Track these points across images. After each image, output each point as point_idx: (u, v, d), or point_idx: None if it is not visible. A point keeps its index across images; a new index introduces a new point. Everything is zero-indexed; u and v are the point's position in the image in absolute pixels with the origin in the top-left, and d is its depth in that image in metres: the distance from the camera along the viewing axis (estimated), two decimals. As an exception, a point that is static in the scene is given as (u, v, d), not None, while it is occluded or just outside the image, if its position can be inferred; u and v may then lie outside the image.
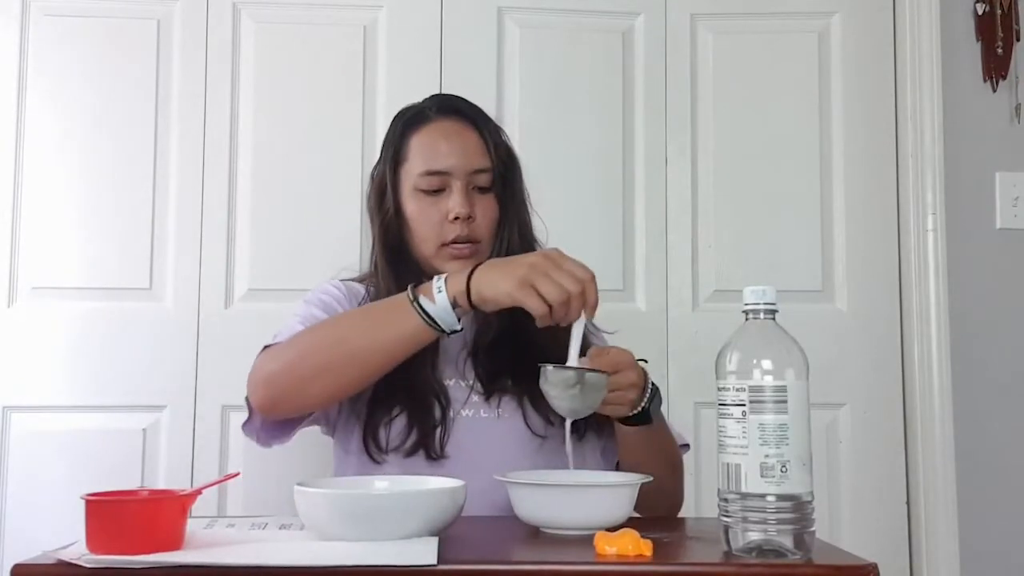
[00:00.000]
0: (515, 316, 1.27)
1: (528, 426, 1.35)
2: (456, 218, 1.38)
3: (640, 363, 1.27)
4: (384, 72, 2.13)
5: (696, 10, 2.20)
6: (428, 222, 1.40)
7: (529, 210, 1.49)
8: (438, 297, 1.20)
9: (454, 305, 1.20)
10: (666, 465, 1.34)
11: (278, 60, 2.12)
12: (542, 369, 1.17)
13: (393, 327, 1.22)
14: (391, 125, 1.50)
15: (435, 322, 1.20)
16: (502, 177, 1.44)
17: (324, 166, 2.10)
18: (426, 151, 1.42)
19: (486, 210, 1.41)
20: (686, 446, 1.48)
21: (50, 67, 2.07)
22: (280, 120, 2.10)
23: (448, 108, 1.46)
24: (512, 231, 1.44)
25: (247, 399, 1.31)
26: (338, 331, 1.27)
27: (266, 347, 1.32)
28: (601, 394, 1.17)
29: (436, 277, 1.23)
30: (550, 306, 1.16)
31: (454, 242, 1.39)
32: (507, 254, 1.41)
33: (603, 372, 1.17)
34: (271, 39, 2.12)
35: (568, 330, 1.19)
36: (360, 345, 1.23)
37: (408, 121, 1.46)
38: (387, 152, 1.47)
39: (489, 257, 1.41)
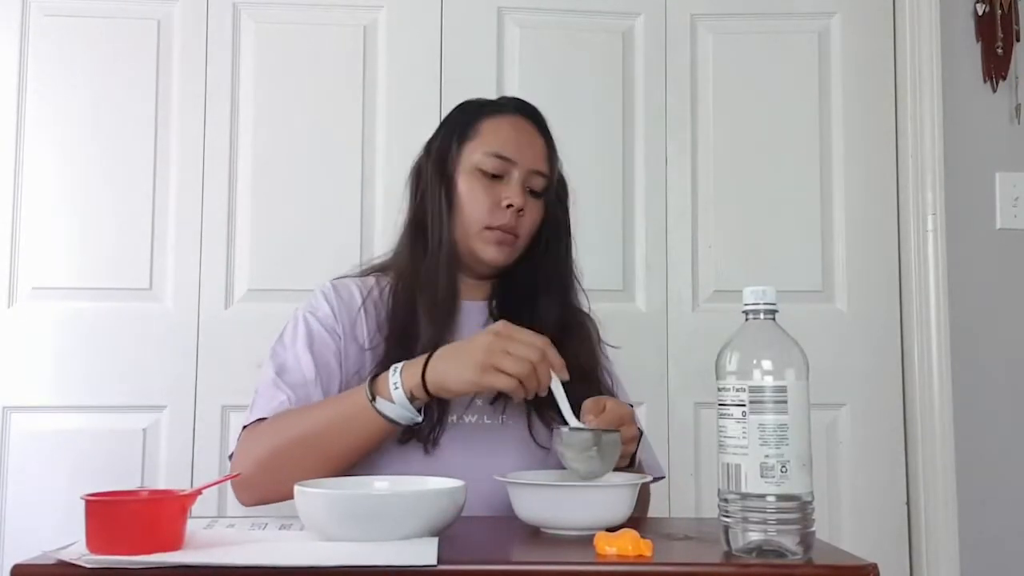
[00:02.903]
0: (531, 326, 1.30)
1: (532, 436, 1.34)
2: (509, 206, 1.39)
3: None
4: (384, 72, 2.13)
5: (696, 10, 2.20)
6: (479, 203, 1.40)
7: (570, 229, 1.51)
8: (395, 394, 1.20)
9: (411, 398, 1.20)
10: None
11: (278, 60, 2.12)
12: (556, 430, 1.16)
13: (359, 428, 1.22)
14: (460, 107, 1.50)
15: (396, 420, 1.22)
16: (556, 191, 1.46)
17: (324, 166, 2.10)
18: (497, 134, 1.42)
19: (533, 211, 1.43)
20: (661, 478, 1.46)
21: (50, 67, 2.07)
22: (280, 120, 2.10)
23: (525, 109, 1.49)
24: (565, 247, 1.47)
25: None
26: (306, 431, 1.25)
27: (245, 427, 1.33)
28: (617, 453, 1.15)
29: (392, 369, 1.22)
30: (519, 382, 1.17)
31: (500, 228, 1.39)
32: (555, 268, 1.45)
33: (616, 431, 1.16)
34: (271, 39, 2.13)
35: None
36: (329, 446, 1.23)
37: (483, 105, 1.48)
38: (453, 127, 1.46)
39: (533, 264, 1.44)
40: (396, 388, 1.20)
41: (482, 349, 1.17)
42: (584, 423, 1.18)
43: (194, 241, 2.06)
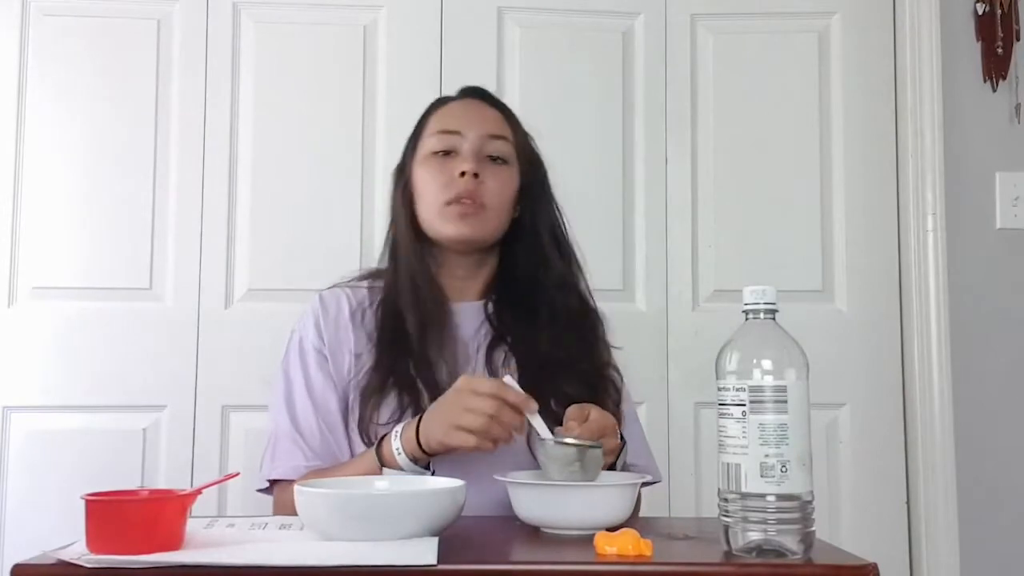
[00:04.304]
0: (529, 334, 1.32)
1: (530, 446, 1.32)
2: (463, 174, 1.36)
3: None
4: (384, 72, 2.13)
5: (696, 10, 2.20)
6: (435, 182, 1.39)
7: (561, 213, 1.48)
8: (400, 460, 1.22)
9: (415, 460, 1.22)
10: None
11: (278, 60, 2.12)
12: (539, 441, 1.17)
13: None
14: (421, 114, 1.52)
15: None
16: (525, 156, 1.44)
17: (324, 166, 2.10)
18: (441, 118, 1.44)
19: (497, 178, 1.40)
20: (657, 481, 1.46)
21: (50, 67, 2.07)
22: (280, 120, 2.10)
23: (472, 91, 1.49)
24: (545, 217, 1.44)
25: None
26: None
27: (269, 480, 1.36)
28: (599, 468, 1.16)
29: (394, 434, 1.23)
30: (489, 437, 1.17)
31: (458, 199, 1.37)
32: (542, 249, 1.42)
33: (599, 446, 1.16)
34: (271, 39, 2.12)
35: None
36: None
37: (433, 104, 1.49)
38: (411, 135, 1.48)
39: (516, 245, 1.43)
40: (399, 454, 1.22)
41: (446, 408, 1.19)
42: (566, 430, 1.18)
43: (194, 241, 2.06)
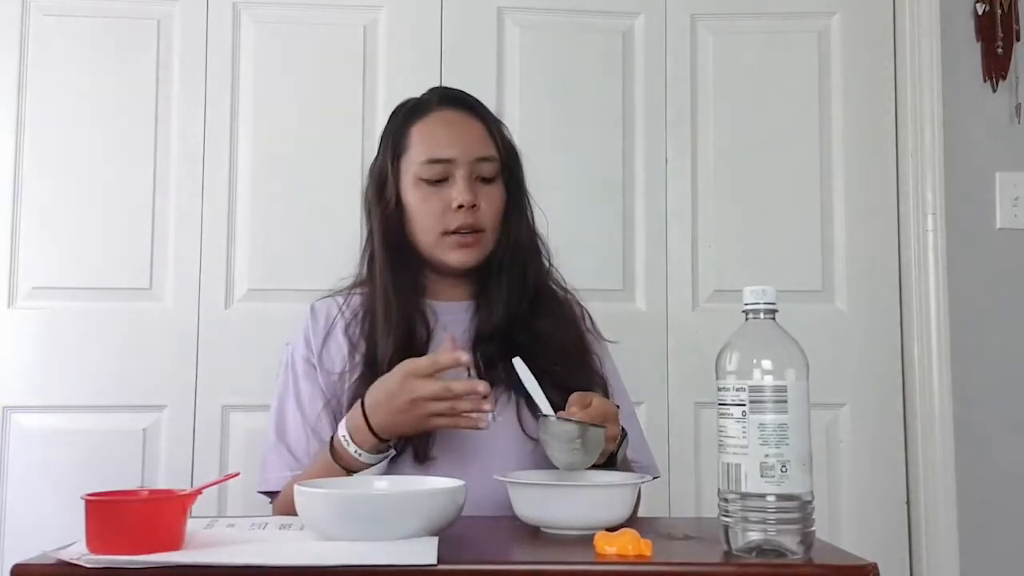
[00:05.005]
0: (512, 321, 1.33)
1: (523, 429, 1.34)
2: (460, 207, 1.36)
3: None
4: (384, 72, 2.13)
5: (696, 10, 2.20)
6: (430, 211, 1.38)
7: (531, 203, 1.48)
8: (366, 459, 1.22)
9: (374, 451, 1.23)
10: None
11: (278, 60, 2.12)
12: (542, 418, 1.17)
13: None
14: (391, 117, 1.49)
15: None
16: (508, 167, 1.43)
17: (324, 166, 2.09)
18: (428, 140, 1.40)
19: (490, 199, 1.40)
20: (656, 477, 1.46)
21: (50, 67, 2.07)
22: (280, 120, 2.10)
23: (450, 98, 1.46)
24: (521, 225, 1.43)
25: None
26: None
27: (261, 492, 1.38)
28: (599, 449, 1.16)
29: (343, 439, 1.23)
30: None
31: (457, 231, 1.37)
32: (515, 250, 1.42)
33: (602, 427, 1.16)
34: (271, 39, 2.12)
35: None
36: None
37: (409, 111, 1.45)
38: (387, 143, 1.45)
39: (494, 249, 1.41)
40: (360, 456, 1.22)
41: (403, 410, 1.19)
42: (568, 415, 1.18)
43: (194, 241, 2.06)
